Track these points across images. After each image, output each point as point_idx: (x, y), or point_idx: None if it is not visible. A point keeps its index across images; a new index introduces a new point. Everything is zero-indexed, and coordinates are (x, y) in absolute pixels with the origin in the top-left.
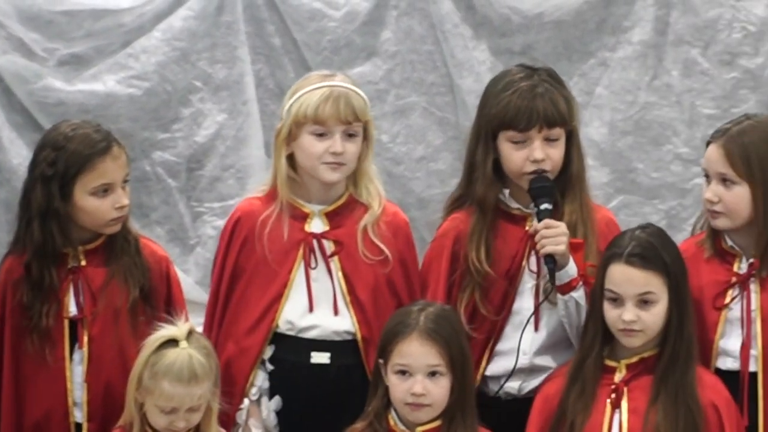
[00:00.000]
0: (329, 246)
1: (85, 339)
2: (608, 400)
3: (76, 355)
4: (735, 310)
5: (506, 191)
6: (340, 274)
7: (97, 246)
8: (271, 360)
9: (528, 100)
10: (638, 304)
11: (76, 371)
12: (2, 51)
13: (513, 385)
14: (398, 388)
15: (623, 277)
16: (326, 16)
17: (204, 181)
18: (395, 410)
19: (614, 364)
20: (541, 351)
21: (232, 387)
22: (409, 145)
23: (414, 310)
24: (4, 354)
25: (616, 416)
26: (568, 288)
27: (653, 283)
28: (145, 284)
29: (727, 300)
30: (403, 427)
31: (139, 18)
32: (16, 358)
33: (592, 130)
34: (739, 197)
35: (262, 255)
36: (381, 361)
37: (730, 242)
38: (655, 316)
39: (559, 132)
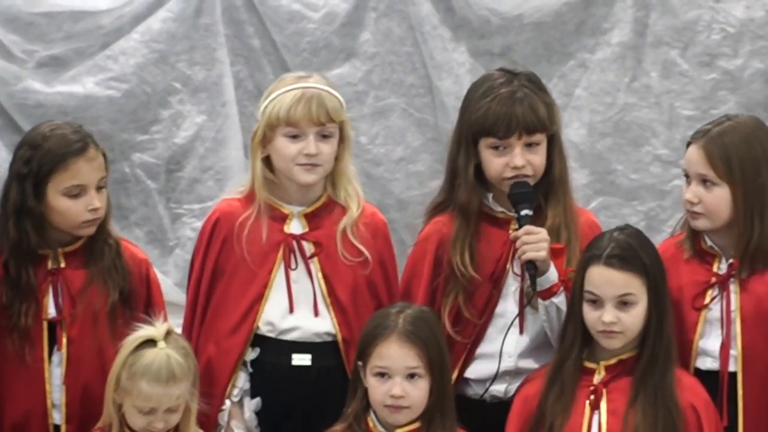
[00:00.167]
0: (308, 247)
1: (64, 341)
2: (587, 402)
3: (55, 357)
4: (714, 311)
5: (490, 195)
6: (320, 275)
7: (77, 248)
8: (252, 362)
9: (507, 107)
10: (618, 305)
11: (55, 373)
12: None
13: (498, 388)
14: (377, 390)
15: (602, 278)
16: (305, 18)
17: (183, 183)
18: (374, 412)
19: (593, 365)
20: (526, 354)
21: (213, 388)
22: (388, 147)
23: (392, 312)
24: None
25: (595, 418)
26: (548, 293)
27: (632, 285)
28: (125, 287)
29: (707, 300)
30: (382, 429)
31: (118, 20)
32: None
33: (571, 131)
34: (720, 198)
35: (242, 256)
36: (360, 363)
37: (709, 242)
38: (635, 317)
39: (539, 137)
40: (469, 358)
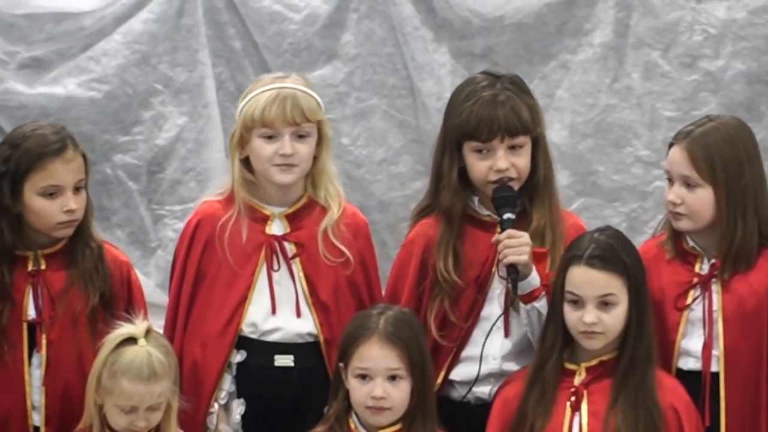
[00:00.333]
0: (290, 248)
1: (44, 343)
2: (568, 403)
3: (35, 359)
4: (696, 311)
5: (476, 199)
6: (301, 275)
7: (58, 250)
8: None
9: (489, 110)
10: (599, 306)
11: (35, 374)
12: None
13: (483, 390)
14: (358, 391)
15: (584, 279)
16: (287, 19)
17: (165, 184)
18: (356, 414)
19: (574, 367)
20: (511, 356)
21: (200, 391)
22: (370, 148)
23: (374, 314)
24: None
25: (576, 419)
26: (530, 298)
27: (614, 285)
28: (106, 290)
29: (689, 301)
30: (363, 431)
31: (99, 21)
32: None
33: (552, 132)
34: (703, 199)
35: (224, 258)
36: (341, 364)
37: (691, 243)
38: (616, 317)
39: (523, 140)
40: (455, 361)
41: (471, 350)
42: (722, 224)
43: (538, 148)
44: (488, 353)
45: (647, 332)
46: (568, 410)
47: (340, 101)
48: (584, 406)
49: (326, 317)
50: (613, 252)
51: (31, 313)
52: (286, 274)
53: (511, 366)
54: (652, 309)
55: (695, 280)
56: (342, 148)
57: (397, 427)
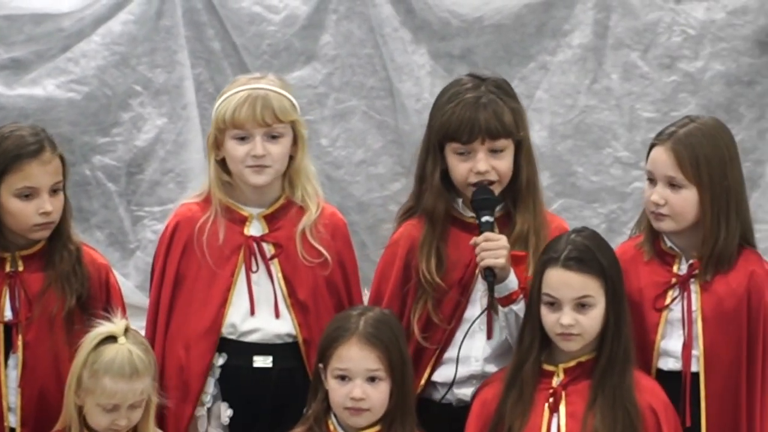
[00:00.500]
0: (269, 249)
1: (20, 344)
2: (546, 405)
3: (11, 360)
4: (675, 311)
5: (459, 200)
6: (280, 276)
7: (35, 252)
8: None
9: (471, 112)
10: (576, 307)
11: (11, 376)
12: None
13: (466, 392)
14: (338, 392)
15: (560, 281)
16: (265, 20)
17: (144, 186)
18: (335, 415)
19: (552, 368)
20: (494, 358)
21: (185, 393)
22: (349, 149)
23: (354, 315)
24: None
25: (554, 421)
26: (508, 301)
27: (590, 287)
28: (83, 293)
29: (668, 301)
30: None
31: (78, 22)
32: None
33: (532, 133)
34: (687, 200)
35: (203, 260)
36: (321, 365)
37: (669, 243)
38: (593, 319)
39: (504, 143)
40: (437, 362)
41: (453, 352)
42: (706, 226)
43: (521, 152)
44: (471, 355)
45: (625, 333)
46: (546, 411)
47: (319, 102)
48: (562, 408)
49: (305, 318)
50: (589, 253)
51: (7, 314)
52: (264, 275)
53: (494, 368)
54: (629, 310)
55: (674, 280)
56: (321, 149)
57: (376, 428)
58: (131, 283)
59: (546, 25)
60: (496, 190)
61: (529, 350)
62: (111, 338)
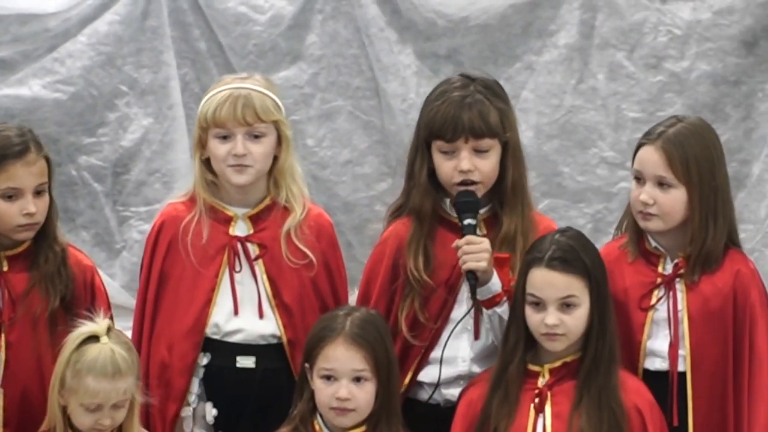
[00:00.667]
0: (253, 249)
1: (3, 344)
2: (532, 405)
3: None
4: (661, 311)
5: (447, 200)
6: (264, 277)
7: (20, 252)
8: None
9: (455, 110)
10: (560, 307)
11: None
12: None
13: (453, 392)
14: (323, 392)
15: (545, 281)
16: (251, 20)
17: (130, 186)
18: (320, 415)
19: (537, 368)
20: (481, 358)
21: (168, 393)
22: (335, 149)
23: (340, 315)
24: None
25: (540, 421)
26: (491, 303)
27: (575, 287)
28: (67, 294)
29: (653, 301)
30: None
31: (64, 23)
32: None
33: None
34: (676, 200)
35: (188, 259)
36: (307, 365)
37: (654, 243)
38: (578, 319)
39: (489, 143)
40: (423, 362)
41: (439, 352)
42: (694, 225)
43: (507, 153)
44: (458, 355)
45: (610, 333)
46: (532, 412)
47: (305, 102)
48: (548, 408)
49: (289, 318)
50: (573, 254)
51: None
52: (248, 275)
53: (482, 368)
54: (614, 310)
55: (659, 280)
56: (307, 150)
57: (362, 428)
58: (117, 284)
59: (532, 25)
60: (481, 191)
61: (514, 351)
62: (94, 338)
